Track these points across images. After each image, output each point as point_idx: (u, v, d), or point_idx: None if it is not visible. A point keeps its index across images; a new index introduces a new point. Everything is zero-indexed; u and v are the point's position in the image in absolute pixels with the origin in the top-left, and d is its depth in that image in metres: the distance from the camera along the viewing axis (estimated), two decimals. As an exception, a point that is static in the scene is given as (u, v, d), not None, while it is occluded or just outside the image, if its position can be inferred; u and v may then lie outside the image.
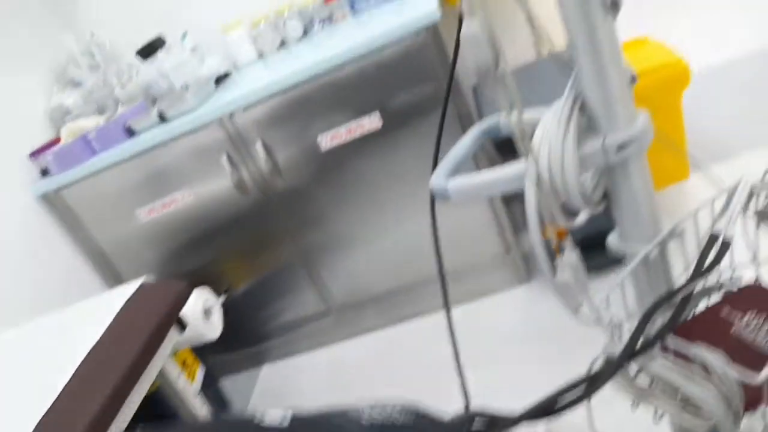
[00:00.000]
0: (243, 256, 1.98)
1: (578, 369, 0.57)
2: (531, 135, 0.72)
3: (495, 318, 1.88)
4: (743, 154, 1.99)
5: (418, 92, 1.66)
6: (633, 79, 1.56)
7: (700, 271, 0.64)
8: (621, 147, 0.67)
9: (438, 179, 0.78)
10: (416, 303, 1.99)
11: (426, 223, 1.88)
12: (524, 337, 1.76)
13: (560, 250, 0.61)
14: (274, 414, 0.26)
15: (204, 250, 1.95)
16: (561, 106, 0.69)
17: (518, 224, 1.90)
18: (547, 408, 0.47)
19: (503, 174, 0.73)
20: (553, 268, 0.62)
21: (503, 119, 0.88)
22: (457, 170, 0.81)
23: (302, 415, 0.26)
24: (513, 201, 1.93)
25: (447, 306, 0.77)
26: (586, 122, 0.70)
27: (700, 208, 0.76)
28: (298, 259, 1.95)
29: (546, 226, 0.61)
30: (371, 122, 1.69)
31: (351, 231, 1.89)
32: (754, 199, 0.77)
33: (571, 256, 0.62)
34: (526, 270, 1.92)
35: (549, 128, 0.68)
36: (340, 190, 1.82)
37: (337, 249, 1.93)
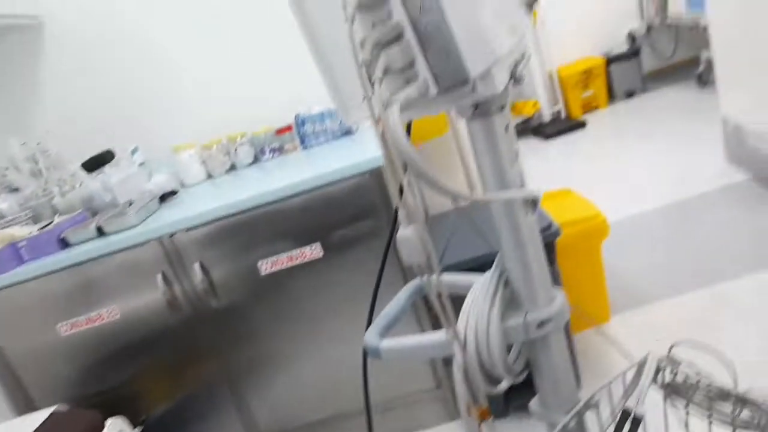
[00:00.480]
0: (166, 376, 1.89)
1: None
2: (458, 298, 0.77)
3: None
4: (658, 301, 2.14)
5: (359, 226, 1.73)
6: (556, 233, 1.69)
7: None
8: (541, 324, 0.73)
9: (371, 338, 0.81)
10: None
11: (358, 351, 1.88)
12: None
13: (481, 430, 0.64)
14: None
15: (126, 369, 1.85)
16: (488, 281, 0.76)
17: (450, 360, 1.92)
18: None
19: (432, 340, 0.77)
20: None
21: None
22: (390, 327, 0.85)
23: None
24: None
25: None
26: (510, 295, 0.77)
27: (614, 380, 0.82)
28: (224, 381, 1.88)
29: (470, 408, 0.64)
30: (312, 252, 1.73)
31: (282, 355, 1.86)
32: (661, 374, 0.84)
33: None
34: (455, 406, 1.92)
35: (477, 301, 0.73)
36: (275, 314, 1.81)
37: (266, 373, 1.88)
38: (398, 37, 0.56)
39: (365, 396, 0.83)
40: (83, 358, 1.82)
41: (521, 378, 0.77)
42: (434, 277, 0.63)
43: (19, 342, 1.81)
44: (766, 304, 1.94)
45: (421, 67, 0.57)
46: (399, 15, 0.55)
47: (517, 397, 0.98)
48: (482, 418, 0.62)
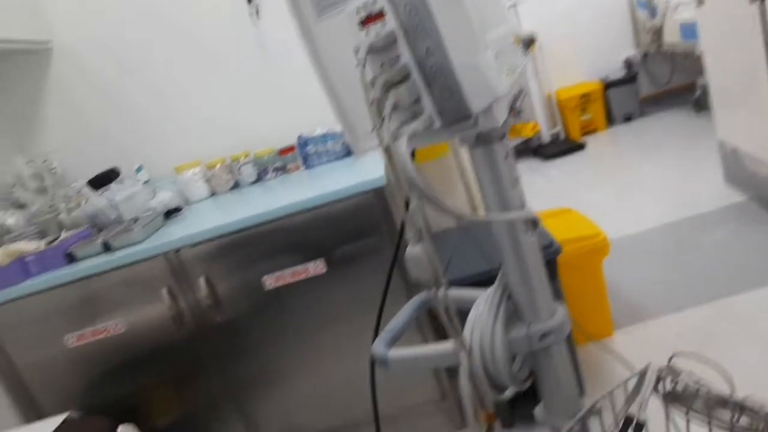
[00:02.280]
0: (172, 388, 1.89)
1: None
2: (463, 312, 0.80)
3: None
4: (659, 316, 2.16)
5: (362, 244, 1.76)
6: (557, 251, 1.71)
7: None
8: (543, 336, 0.75)
9: (379, 347, 0.83)
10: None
11: (362, 365, 1.89)
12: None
13: (491, 428, 0.66)
14: None
15: (132, 381, 1.86)
16: (492, 295, 0.78)
17: (455, 372, 1.93)
18: None
19: (439, 351, 0.79)
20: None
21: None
22: (397, 339, 0.87)
23: None
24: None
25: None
26: (513, 308, 0.79)
27: (616, 388, 0.83)
28: (229, 394, 1.89)
29: (481, 414, 0.66)
30: (316, 267, 1.76)
31: (286, 368, 1.87)
32: (661, 383, 0.85)
33: (499, 439, 0.66)
34: (461, 416, 1.92)
35: (481, 314, 0.76)
36: (279, 327, 1.83)
37: (270, 385, 1.88)
38: (406, 77, 0.60)
39: (374, 405, 0.85)
40: (90, 369, 1.83)
41: (526, 385, 0.78)
42: (442, 291, 0.65)
43: (28, 353, 1.82)
44: (766, 318, 1.96)
45: (427, 103, 0.61)
46: (406, 57, 0.60)
47: (523, 406, 0.99)
48: (489, 422, 0.64)
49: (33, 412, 1.84)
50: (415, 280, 0.64)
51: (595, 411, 0.81)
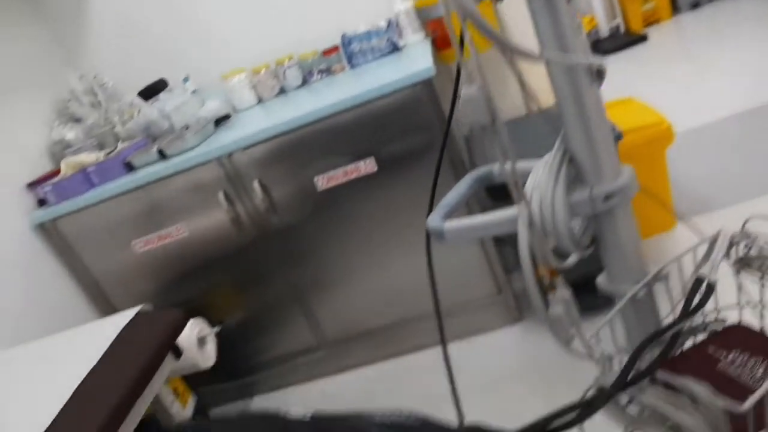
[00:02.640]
0: (236, 289, 1.99)
1: (568, 404, 0.59)
2: (523, 184, 0.76)
3: (487, 355, 1.89)
4: (724, 208, 2.06)
5: (412, 140, 1.72)
6: (618, 137, 1.64)
7: (687, 311, 0.67)
8: (607, 197, 0.71)
9: (434, 220, 0.82)
10: (407, 339, 2.00)
11: (417, 262, 1.91)
12: (517, 374, 1.77)
13: (552, 286, 0.64)
14: (297, 411, 0.28)
15: (198, 283, 1.96)
16: (551, 159, 0.74)
17: (509, 266, 1.94)
18: (540, 429, 0.49)
19: (497, 218, 0.77)
20: (546, 304, 0.65)
21: (497, 168, 0.93)
22: (451, 213, 0.85)
23: (321, 413, 0.28)
24: (504, 244, 1.97)
25: (442, 333, 0.79)
26: (575, 174, 0.75)
27: (684, 254, 0.80)
28: (291, 293, 1.97)
29: (538, 265, 0.64)
30: (367, 166, 1.74)
31: (344, 268, 1.91)
32: (734, 248, 0.81)
33: (563, 292, 0.65)
34: (517, 309, 1.95)
35: (540, 177, 0.72)
36: (334, 228, 1.86)
37: (329, 285, 1.95)
38: None
39: (431, 279, 0.85)
40: (159, 272, 1.94)
41: (588, 252, 0.76)
42: (503, 134, 0.61)
43: (101, 259, 1.93)
44: None
45: None
46: None
47: (586, 299, 0.97)
48: (552, 276, 0.63)
49: (108, 310, 1.98)
50: (471, 124, 0.61)
51: (661, 277, 0.78)
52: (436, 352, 1.85)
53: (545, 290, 0.66)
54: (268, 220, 1.84)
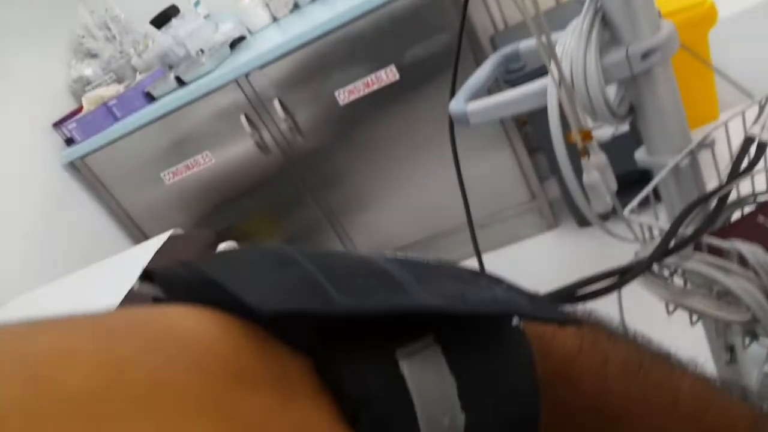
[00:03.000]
0: (268, 214, 2.00)
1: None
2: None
3: (523, 263, 1.88)
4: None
5: (433, 43, 1.63)
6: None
7: (736, 174, 0.62)
8: (645, 55, 0.65)
9: (457, 104, 0.77)
10: (441, 253, 2.00)
11: (448, 173, 1.86)
12: (554, 281, 1.75)
13: (586, 152, 0.60)
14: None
15: (229, 210, 1.97)
16: (581, 21, 0.67)
17: (543, 173, 1.88)
18: (571, 294, 0.46)
19: (523, 92, 0.71)
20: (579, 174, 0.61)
21: (523, 45, 0.87)
22: (476, 95, 0.80)
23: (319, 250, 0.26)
24: (537, 151, 1.91)
25: (472, 231, 0.76)
26: (609, 36, 0.68)
27: (732, 117, 0.74)
28: (322, 215, 1.96)
29: (569, 132, 0.59)
30: (388, 75, 1.68)
31: (373, 185, 1.89)
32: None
33: (598, 157, 0.60)
34: (552, 216, 1.91)
35: (570, 42, 0.66)
36: (360, 145, 1.82)
37: (360, 203, 1.93)
38: None
39: (457, 169, 0.81)
40: (190, 202, 1.95)
41: (626, 122, 0.70)
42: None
43: (131, 193, 1.96)
44: None
45: None
46: None
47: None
48: (585, 140, 0.58)
49: (143, 238, 2.02)
50: None
51: (706, 144, 0.72)
52: (471, 264, 1.84)
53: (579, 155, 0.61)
54: (293, 141, 1.81)
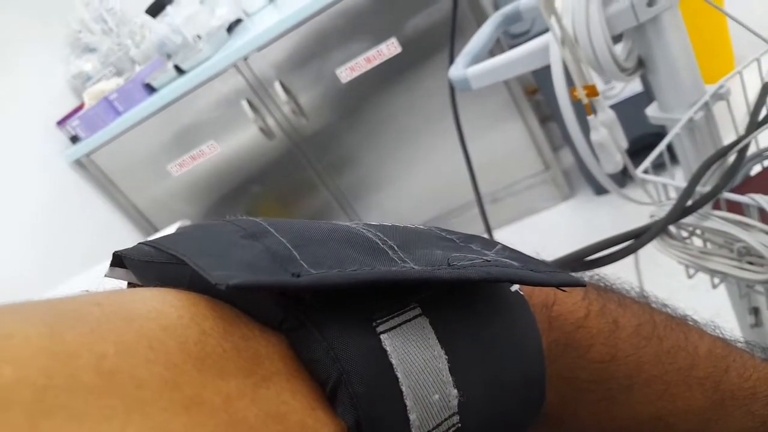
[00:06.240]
0: (277, 201, 1.98)
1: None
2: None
3: (541, 235, 1.84)
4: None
5: (434, 12, 1.58)
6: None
7: (754, 125, 0.58)
8: (651, 1, 0.60)
9: (457, 69, 0.74)
10: (456, 229, 1.97)
11: (457, 147, 1.82)
12: (571, 249, 1.72)
13: (593, 109, 0.56)
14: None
15: (239, 200, 1.96)
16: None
17: (556, 143, 1.84)
18: (581, 259, 0.43)
19: (524, 51, 0.68)
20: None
21: (523, 2, 0.83)
22: (477, 60, 0.77)
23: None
24: (548, 120, 1.86)
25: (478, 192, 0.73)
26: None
27: (748, 65, 0.69)
28: (332, 198, 1.94)
29: (574, 89, 0.56)
30: (389, 48, 1.63)
31: (382, 164, 1.86)
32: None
33: (606, 114, 0.57)
34: (568, 185, 1.86)
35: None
36: (366, 123, 1.78)
37: (369, 184, 1.91)
38: None
39: (461, 139, 0.78)
40: (198, 192, 1.94)
41: (634, 77, 0.67)
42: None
43: (140, 188, 1.95)
44: None
45: None
46: None
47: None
48: (591, 96, 0.55)
49: (153, 232, 2.02)
50: None
51: (721, 95, 0.68)
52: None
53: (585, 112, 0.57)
54: (297, 125, 1.78)
